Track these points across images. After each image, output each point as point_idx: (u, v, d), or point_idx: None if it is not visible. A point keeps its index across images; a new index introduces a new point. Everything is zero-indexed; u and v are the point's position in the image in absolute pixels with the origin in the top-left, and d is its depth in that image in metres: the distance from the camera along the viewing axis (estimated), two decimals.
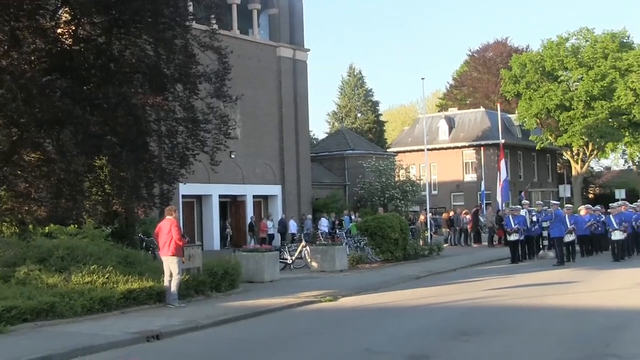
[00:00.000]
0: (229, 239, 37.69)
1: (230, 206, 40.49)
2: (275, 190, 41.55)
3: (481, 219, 39.48)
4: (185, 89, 20.54)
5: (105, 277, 16.44)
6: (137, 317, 14.85)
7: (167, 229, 16.69)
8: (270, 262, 22.49)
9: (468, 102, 76.39)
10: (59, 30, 19.19)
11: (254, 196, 40.65)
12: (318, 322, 14.86)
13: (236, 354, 11.43)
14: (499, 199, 35.39)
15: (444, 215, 43.14)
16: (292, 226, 38.65)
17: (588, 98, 56.91)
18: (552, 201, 34.63)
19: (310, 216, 40.29)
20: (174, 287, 16.65)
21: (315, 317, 15.59)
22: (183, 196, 35.17)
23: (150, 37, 19.55)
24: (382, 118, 78.13)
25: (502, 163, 36.56)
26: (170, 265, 16.65)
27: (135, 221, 23.04)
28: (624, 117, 57.77)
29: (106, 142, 19.32)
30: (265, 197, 41.78)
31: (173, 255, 16.59)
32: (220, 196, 38.66)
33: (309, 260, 26.10)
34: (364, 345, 11.55)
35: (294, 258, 26.69)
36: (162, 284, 16.84)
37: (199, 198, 37.94)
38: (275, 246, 29.72)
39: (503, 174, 35.26)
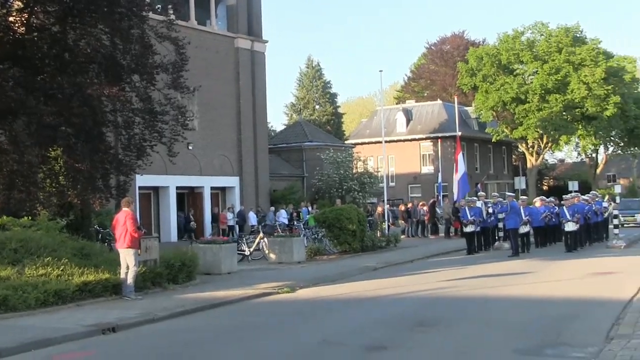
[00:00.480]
0: (192, 231, 37.44)
1: (188, 198, 40.24)
2: (233, 181, 41.38)
3: (438, 210, 39.80)
4: (142, 80, 20.32)
5: (60, 269, 16.23)
6: (93, 310, 14.71)
7: (123, 221, 16.55)
8: (227, 254, 22.41)
9: (425, 94, 76.88)
10: (11, 19, 18.85)
11: (212, 188, 40.44)
12: (275, 313, 14.86)
13: (193, 346, 11.38)
14: (455, 190, 35.68)
15: (401, 207, 43.42)
16: (252, 218, 38.56)
17: (543, 91, 57.66)
18: (507, 193, 35.07)
19: (273, 208, 40.24)
20: (130, 280, 16.51)
21: (273, 308, 15.59)
22: (140, 187, 34.83)
23: (106, 27, 19.30)
24: (340, 110, 78.24)
25: (460, 156, 36.85)
26: (127, 258, 16.51)
27: (91, 213, 22.76)
28: (577, 110, 58.67)
29: (61, 133, 19.04)
30: (223, 189, 41.59)
31: (129, 248, 16.45)
32: (178, 188, 38.39)
33: (266, 251, 26.08)
34: (321, 336, 11.58)
35: (251, 250, 26.64)
36: (119, 276, 16.68)
37: (156, 189, 37.62)
38: (233, 238, 29.62)
39: (461, 167, 35.49)
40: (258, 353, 10.57)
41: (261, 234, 27.31)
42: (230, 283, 19.39)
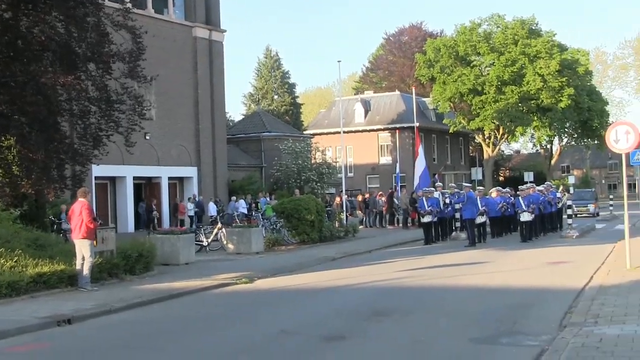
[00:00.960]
0: (155, 221, 37.09)
1: (145, 188, 39.89)
2: (191, 172, 41.12)
3: (396, 201, 40.04)
4: (98, 69, 20.05)
5: (14, 260, 15.97)
6: (48, 301, 14.51)
7: (79, 211, 16.35)
8: (185, 245, 22.28)
9: (384, 85, 77.15)
10: None
11: (170, 178, 40.14)
12: (233, 304, 14.83)
13: (150, 337, 11.31)
14: (416, 182, 35.72)
15: (359, 197, 43.58)
16: (212, 208, 38.39)
17: (499, 83, 58.27)
18: (464, 184, 35.38)
19: (234, 198, 40.08)
20: (86, 270, 16.32)
21: (231, 299, 15.55)
22: (96, 178, 34.43)
23: (60, 14, 18.98)
24: (298, 100, 78.17)
25: (421, 150, 36.78)
26: (82, 248, 16.32)
27: (45, 203, 22.43)
28: (532, 102, 59.41)
29: (14, 122, 18.72)
30: (181, 179, 41.31)
31: (84, 238, 16.26)
32: (135, 178, 38.03)
33: (225, 242, 25.98)
34: (279, 326, 11.59)
35: (209, 240, 26.52)
36: (74, 267, 16.48)
37: (112, 180, 37.22)
38: (191, 228, 29.46)
39: (422, 161, 35.54)
40: (216, 344, 10.54)
41: (219, 225, 27.20)
42: (188, 274, 19.28)
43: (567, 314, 11.73)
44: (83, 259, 16.33)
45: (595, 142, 67.03)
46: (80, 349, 10.68)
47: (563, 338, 9.64)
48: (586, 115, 63.01)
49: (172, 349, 10.29)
